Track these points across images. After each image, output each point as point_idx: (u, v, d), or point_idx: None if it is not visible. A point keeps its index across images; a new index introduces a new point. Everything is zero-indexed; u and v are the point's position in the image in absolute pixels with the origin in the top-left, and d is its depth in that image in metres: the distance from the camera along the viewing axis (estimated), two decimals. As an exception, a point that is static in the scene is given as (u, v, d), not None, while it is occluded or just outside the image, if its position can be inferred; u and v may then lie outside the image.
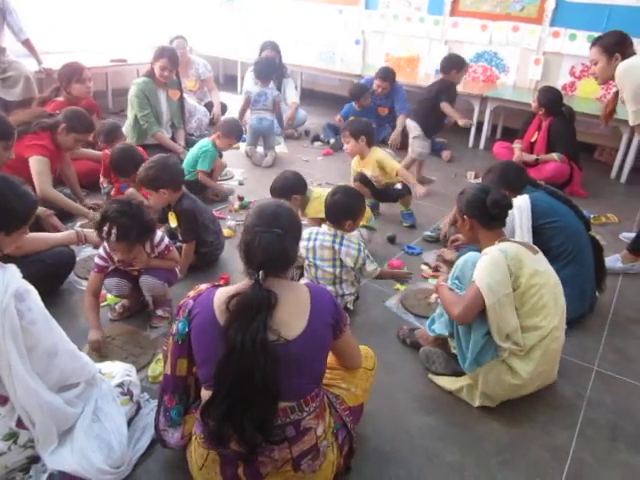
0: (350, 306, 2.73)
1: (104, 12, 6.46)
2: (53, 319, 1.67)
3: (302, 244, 2.65)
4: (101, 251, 2.47)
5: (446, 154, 5.41)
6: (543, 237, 2.67)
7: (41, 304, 1.62)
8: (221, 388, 1.43)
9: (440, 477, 1.87)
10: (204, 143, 4.03)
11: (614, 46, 3.04)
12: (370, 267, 2.64)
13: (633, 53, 3.02)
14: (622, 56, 3.00)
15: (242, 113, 5.26)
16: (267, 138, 5.11)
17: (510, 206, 2.22)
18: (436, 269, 3.09)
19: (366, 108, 5.54)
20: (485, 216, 2.20)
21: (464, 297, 2.09)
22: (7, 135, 2.62)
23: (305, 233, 2.66)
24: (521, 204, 2.68)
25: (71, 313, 2.62)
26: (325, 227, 2.65)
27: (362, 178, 3.82)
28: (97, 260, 2.46)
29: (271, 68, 5.21)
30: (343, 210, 2.60)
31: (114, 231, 2.24)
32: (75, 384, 1.74)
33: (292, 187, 3.06)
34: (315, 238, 2.63)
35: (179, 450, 1.77)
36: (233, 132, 4.09)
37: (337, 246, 2.59)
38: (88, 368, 1.78)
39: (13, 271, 1.57)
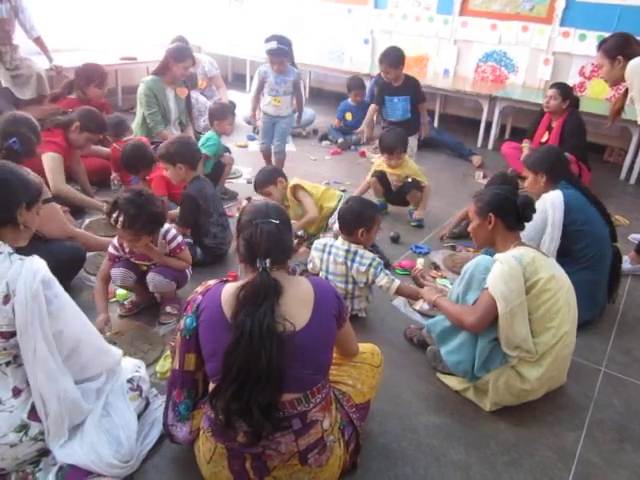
0: (362, 314, 2.70)
1: (114, 10, 6.49)
2: (77, 306, 1.74)
3: (317, 254, 2.65)
4: (115, 240, 2.55)
5: (476, 159, 5.32)
6: (566, 239, 2.66)
7: (65, 292, 1.69)
8: (229, 372, 1.46)
9: (446, 476, 1.87)
10: (208, 135, 4.09)
11: (615, 50, 3.03)
12: (382, 281, 2.52)
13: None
14: (625, 58, 2.97)
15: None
16: None
17: (535, 210, 2.22)
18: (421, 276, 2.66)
19: (362, 103, 5.71)
20: (512, 216, 2.18)
21: (477, 306, 2.07)
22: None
23: (319, 244, 2.66)
24: (554, 201, 2.68)
25: (81, 309, 2.63)
26: (340, 240, 2.61)
27: (380, 176, 3.87)
28: (110, 249, 2.55)
29: None
30: (355, 217, 2.56)
31: (121, 218, 2.31)
32: (97, 376, 1.79)
33: (273, 174, 3.36)
34: (329, 251, 2.61)
35: (187, 445, 1.79)
36: (225, 112, 4.11)
37: (349, 262, 2.55)
38: (112, 352, 1.87)
39: (39, 260, 1.63)
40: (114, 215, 2.34)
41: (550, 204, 2.67)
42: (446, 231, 3.62)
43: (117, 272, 2.54)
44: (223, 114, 4.09)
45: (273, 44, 3.97)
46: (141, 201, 2.35)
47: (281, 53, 4.02)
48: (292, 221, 3.30)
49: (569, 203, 2.67)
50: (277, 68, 4.09)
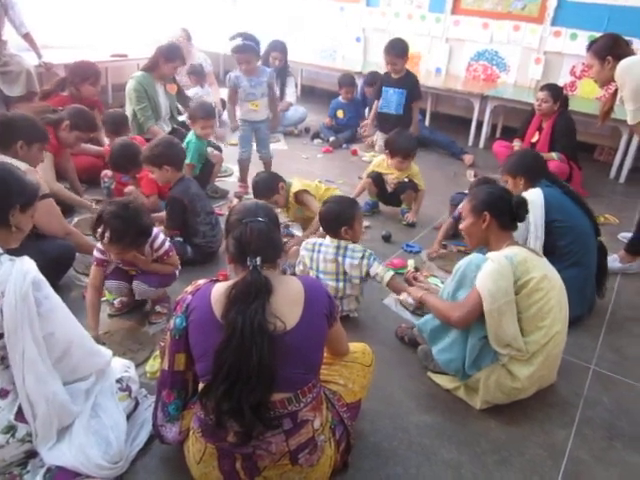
0: (353, 314, 2.69)
1: (105, 7, 6.43)
2: (67, 308, 1.72)
3: (307, 254, 2.64)
4: (100, 245, 2.47)
5: (468, 158, 5.31)
6: (551, 235, 2.68)
7: (56, 294, 1.67)
8: (220, 371, 1.45)
9: (437, 475, 1.88)
10: (188, 137, 4.00)
11: (605, 50, 3.04)
12: (377, 269, 2.51)
13: (630, 53, 3.00)
14: (615, 59, 2.99)
15: None
16: None
17: (528, 211, 2.22)
18: (414, 279, 2.63)
19: (353, 101, 5.77)
20: (506, 216, 2.18)
21: (464, 302, 2.07)
22: (45, 138, 2.78)
23: (309, 243, 2.66)
24: (535, 199, 2.68)
25: (70, 308, 2.60)
26: (329, 239, 2.61)
27: (376, 177, 3.85)
28: (96, 253, 2.46)
29: None
30: (334, 217, 2.55)
31: (107, 234, 2.23)
32: (86, 377, 1.78)
33: (274, 182, 3.28)
34: (319, 250, 2.60)
35: (176, 446, 1.77)
36: (195, 116, 3.93)
37: (340, 258, 2.54)
38: (102, 353, 1.85)
39: (29, 261, 1.61)
40: (99, 230, 2.23)
41: (530, 203, 2.65)
42: (435, 249, 3.43)
43: (112, 284, 2.54)
44: (194, 117, 3.95)
45: (238, 41, 3.68)
46: (128, 215, 2.24)
47: (247, 49, 3.69)
48: (288, 223, 3.28)
49: (548, 201, 2.69)
50: (245, 68, 3.76)
